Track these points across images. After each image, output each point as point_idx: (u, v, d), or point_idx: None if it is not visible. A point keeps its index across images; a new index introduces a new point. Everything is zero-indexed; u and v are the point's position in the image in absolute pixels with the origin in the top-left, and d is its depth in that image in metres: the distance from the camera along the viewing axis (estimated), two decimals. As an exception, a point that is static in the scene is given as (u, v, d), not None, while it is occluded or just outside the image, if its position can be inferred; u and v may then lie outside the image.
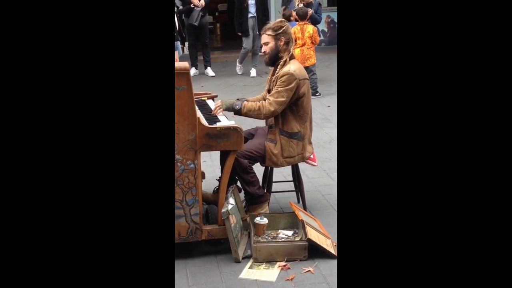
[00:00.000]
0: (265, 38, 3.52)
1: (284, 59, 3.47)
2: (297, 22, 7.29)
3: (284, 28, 3.50)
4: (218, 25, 14.58)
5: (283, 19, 3.75)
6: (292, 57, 3.51)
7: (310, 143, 3.63)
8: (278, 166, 3.53)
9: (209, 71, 9.21)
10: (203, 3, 8.63)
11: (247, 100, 3.58)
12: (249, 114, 3.44)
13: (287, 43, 3.50)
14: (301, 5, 7.64)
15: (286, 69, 3.41)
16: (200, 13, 8.59)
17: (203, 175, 4.12)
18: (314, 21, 7.96)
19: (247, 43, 8.90)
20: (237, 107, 3.44)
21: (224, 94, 7.19)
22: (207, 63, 9.25)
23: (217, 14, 14.33)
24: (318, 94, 7.50)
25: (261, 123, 3.85)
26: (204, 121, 3.15)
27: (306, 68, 7.29)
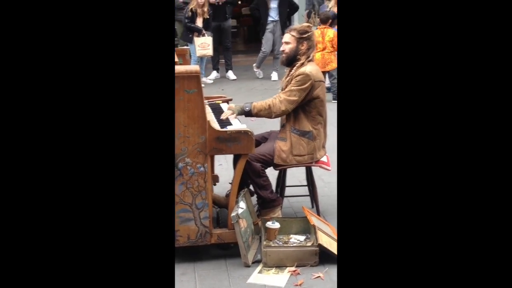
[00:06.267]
0: (287, 37, 3.51)
1: (301, 61, 3.44)
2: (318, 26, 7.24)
3: (309, 34, 3.49)
4: (241, 29, 14.61)
5: (310, 25, 3.74)
6: (310, 60, 3.48)
7: (323, 147, 3.59)
8: (287, 163, 3.45)
9: (230, 75, 9.21)
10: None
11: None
12: (260, 114, 3.42)
13: (308, 49, 3.48)
14: (335, 8, 7.50)
15: (302, 69, 3.39)
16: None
17: (216, 179, 4.11)
18: None
19: (266, 46, 8.88)
20: (247, 108, 3.43)
21: (245, 97, 7.17)
22: (228, 67, 9.26)
23: (241, 18, 14.37)
24: (339, 98, 7.42)
25: (276, 127, 3.82)
26: (215, 125, 3.14)
27: (327, 72, 7.23)
